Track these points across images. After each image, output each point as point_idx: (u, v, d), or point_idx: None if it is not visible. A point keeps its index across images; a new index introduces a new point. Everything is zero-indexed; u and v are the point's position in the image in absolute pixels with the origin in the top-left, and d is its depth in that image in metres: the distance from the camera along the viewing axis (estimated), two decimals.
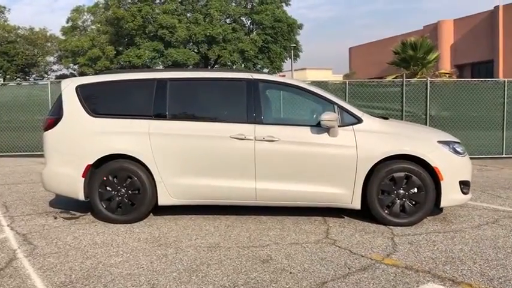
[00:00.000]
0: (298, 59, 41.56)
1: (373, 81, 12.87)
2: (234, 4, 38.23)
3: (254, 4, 38.17)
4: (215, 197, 5.53)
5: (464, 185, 5.41)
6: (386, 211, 5.32)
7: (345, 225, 5.41)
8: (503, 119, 11.43)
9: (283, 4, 39.31)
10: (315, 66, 56.52)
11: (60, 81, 6.51)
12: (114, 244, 4.77)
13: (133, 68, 37.54)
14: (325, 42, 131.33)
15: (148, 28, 35.50)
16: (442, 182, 5.23)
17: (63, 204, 6.50)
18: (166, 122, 5.51)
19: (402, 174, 5.27)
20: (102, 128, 5.57)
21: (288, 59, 40.67)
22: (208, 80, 5.75)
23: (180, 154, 5.43)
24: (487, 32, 63.43)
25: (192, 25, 35.47)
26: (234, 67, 38.89)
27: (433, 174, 5.26)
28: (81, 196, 5.60)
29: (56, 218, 5.88)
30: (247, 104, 5.47)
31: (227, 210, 5.90)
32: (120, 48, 37.68)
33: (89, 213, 6.03)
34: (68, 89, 5.77)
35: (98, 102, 5.73)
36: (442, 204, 5.32)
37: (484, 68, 40.56)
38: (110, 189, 5.55)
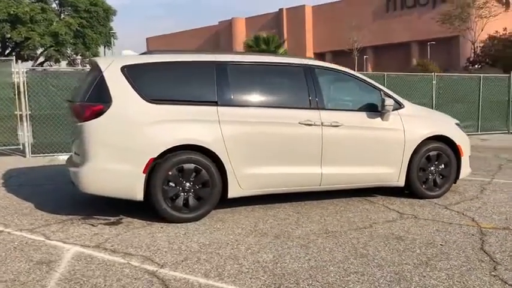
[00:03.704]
0: (113, 46, 39.57)
1: None
2: None
3: None
4: (284, 185, 5.41)
5: (469, 159, 6.46)
6: (424, 186, 6.01)
7: (392, 202, 5.88)
8: None
9: None
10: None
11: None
12: (229, 243, 4.33)
13: None
14: (118, 31, 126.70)
15: None
16: (462, 158, 6.16)
17: (67, 210, 5.41)
18: (235, 109, 5.14)
19: (435, 152, 6.01)
20: (164, 116, 4.87)
21: (103, 45, 38.38)
22: (267, 64, 5.51)
23: (251, 142, 5.14)
24: (275, 29, 70.45)
25: None
26: (42, 50, 35.03)
27: (455, 151, 6.14)
28: (139, 196, 4.82)
29: (93, 225, 4.89)
30: (309, 90, 5.47)
31: (273, 199, 5.76)
32: None
33: (120, 216, 5.18)
34: (112, 70, 4.84)
35: (152, 86, 4.97)
36: (461, 176, 6.25)
37: None
38: (174, 185, 4.91)
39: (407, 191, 6.11)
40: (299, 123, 5.32)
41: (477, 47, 30.07)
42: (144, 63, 5.03)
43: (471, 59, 29.52)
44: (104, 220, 5.07)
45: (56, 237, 4.50)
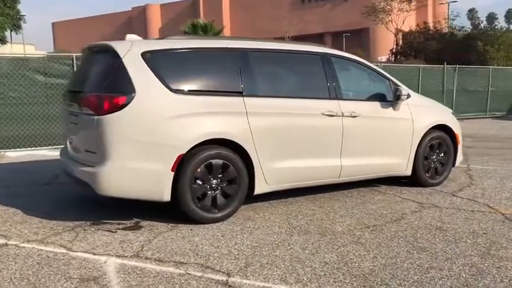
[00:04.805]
0: (21, 30, 36.38)
1: None
2: None
3: None
4: (307, 179, 5.22)
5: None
6: (427, 174, 6.10)
7: (400, 191, 5.89)
8: None
9: None
10: (16, 40, 49.91)
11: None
12: (279, 243, 4.04)
13: None
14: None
15: None
16: (458, 146, 6.35)
17: (68, 214, 4.80)
18: (260, 100, 4.82)
19: (437, 141, 6.12)
20: (191, 108, 4.43)
21: (10, 29, 35.13)
22: (288, 52, 5.23)
23: (277, 134, 4.87)
24: (191, 17, 69.30)
25: None
26: None
27: (452, 140, 6.29)
28: (166, 197, 4.36)
29: (112, 231, 4.35)
30: (327, 79, 5.29)
31: (285, 194, 5.50)
32: None
33: (133, 219, 4.68)
34: (132, 56, 4.29)
35: (177, 75, 4.49)
36: (456, 164, 6.44)
37: None
38: (202, 183, 4.50)
39: (405, 180, 6.17)
40: (322, 113, 5.13)
41: (399, 39, 31.79)
42: (167, 49, 4.52)
43: (394, 51, 31.16)
44: (118, 225, 4.54)
45: (79, 247, 3.92)
